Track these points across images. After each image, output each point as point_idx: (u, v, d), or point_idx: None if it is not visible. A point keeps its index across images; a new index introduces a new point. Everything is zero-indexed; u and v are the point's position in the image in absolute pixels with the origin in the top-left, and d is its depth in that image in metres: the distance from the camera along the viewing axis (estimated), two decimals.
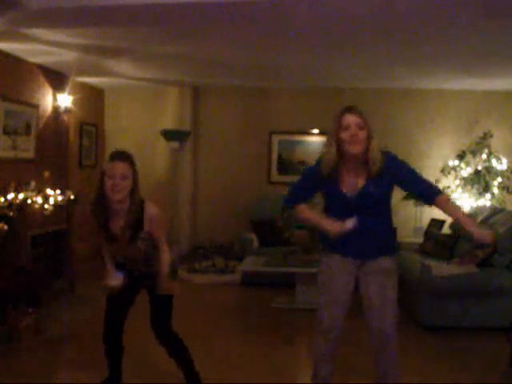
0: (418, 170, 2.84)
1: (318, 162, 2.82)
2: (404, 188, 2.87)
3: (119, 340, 3.18)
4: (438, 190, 2.81)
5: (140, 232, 2.94)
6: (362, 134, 2.66)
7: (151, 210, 2.95)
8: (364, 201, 2.74)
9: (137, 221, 2.91)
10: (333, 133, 2.71)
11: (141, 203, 2.93)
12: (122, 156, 2.91)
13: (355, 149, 2.66)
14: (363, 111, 2.72)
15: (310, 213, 2.91)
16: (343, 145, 2.68)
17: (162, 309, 3.10)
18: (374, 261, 2.82)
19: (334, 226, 2.71)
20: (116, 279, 3.01)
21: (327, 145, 2.74)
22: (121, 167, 2.86)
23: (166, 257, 2.98)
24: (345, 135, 2.66)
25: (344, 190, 2.76)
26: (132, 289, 3.13)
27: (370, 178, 2.72)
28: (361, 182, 2.74)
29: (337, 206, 2.83)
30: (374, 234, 2.80)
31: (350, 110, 2.70)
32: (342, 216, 2.74)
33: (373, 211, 2.78)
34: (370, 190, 2.72)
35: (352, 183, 2.75)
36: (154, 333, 3.11)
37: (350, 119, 2.66)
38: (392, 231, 2.92)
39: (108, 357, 3.20)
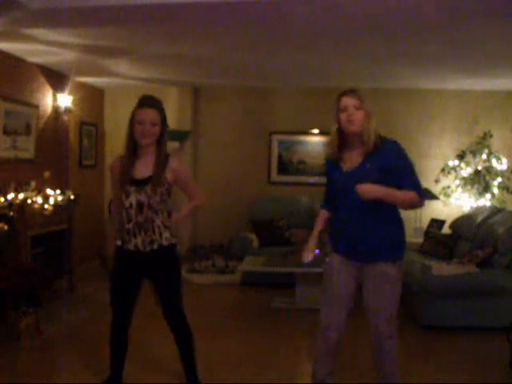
0: (417, 170, 2.82)
1: (326, 155, 2.97)
2: (391, 178, 2.73)
3: (126, 335, 3.13)
4: (417, 191, 2.72)
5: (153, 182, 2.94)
6: (359, 114, 2.75)
7: (176, 162, 3.02)
8: (357, 178, 2.71)
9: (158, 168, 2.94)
10: (334, 116, 2.82)
11: (166, 155, 2.99)
12: (151, 102, 2.95)
13: (352, 127, 2.75)
14: (361, 93, 2.80)
15: (317, 226, 3.09)
16: (343, 125, 2.78)
17: (173, 293, 3.07)
18: (372, 265, 2.80)
19: (302, 254, 3.03)
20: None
21: (332, 128, 2.84)
22: (150, 113, 2.92)
23: (193, 205, 3.15)
24: (343, 116, 2.77)
25: (344, 168, 2.82)
26: (137, 273, 3.05)
27: (366, 157, 2.75)
28: (359, 159, 2.78)
29: (337, 191, 2.85)
30: (371, 235, 2.76)
31: (346, 93, 2.80)
32: (342, 205, 2.80)
33: (372, 201, 2.71)
34: (365, 166, 2.74)
35: (351, 161, 2.80)
36: (168, 320, 3.10)
37: (347, 101, 2.77)
38: (395, 234, 2.86)
39: (112, 354, 3.16)
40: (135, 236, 2.97)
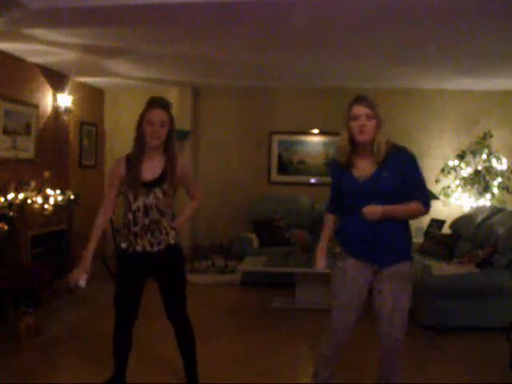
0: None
1: (333, 157, 2.93)
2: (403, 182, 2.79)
3: (130, 334, 3.13)
4: (423, 201, 2.77)
5: (163, 183, 2.95)
6: (371, 124, 2.71)
7: (182, 159, 3.09)
8: (375, 186, 2.72)
9: (170, 169, 2.96)
10: (345, 122, 2.78)
11: (174, 154, 3.02)
12: (161, 103, 2.94)
13: (363, 138, 2.72)
14: (373, 100, 2.75)
15: (325, 233, 3.02)
16: (353, 134, 2.74)
17: (179, 293, 3.09)
18: (390, 267, 2.78)
19: (315, 262, 3.01)
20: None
21: (342, 134, 2.81)
22: (160, 114, 2.91)
23: (195, 205, 3.22)
24: (354, 125, 2.72)
25: (356, 175, 2.78)
26: (143, 273, 3.06)
27: (380, 166, 2.73)
28: (372, 168, 2.76)
29: (350, 198, 2.80)
30: (389, 237, 2.76)
31: (359, 100, 2.74)
32: (354, 213, 2.74)
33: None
34: (380, 175, 2.73)
35: (364, 169, 2.77)
36: (172, 320, 3.10)
37: (359, 110, 2.71)
38: (408, 235, 2.87)
39: (116, 354, 3.15)
40: (142, 238, 2.98)
